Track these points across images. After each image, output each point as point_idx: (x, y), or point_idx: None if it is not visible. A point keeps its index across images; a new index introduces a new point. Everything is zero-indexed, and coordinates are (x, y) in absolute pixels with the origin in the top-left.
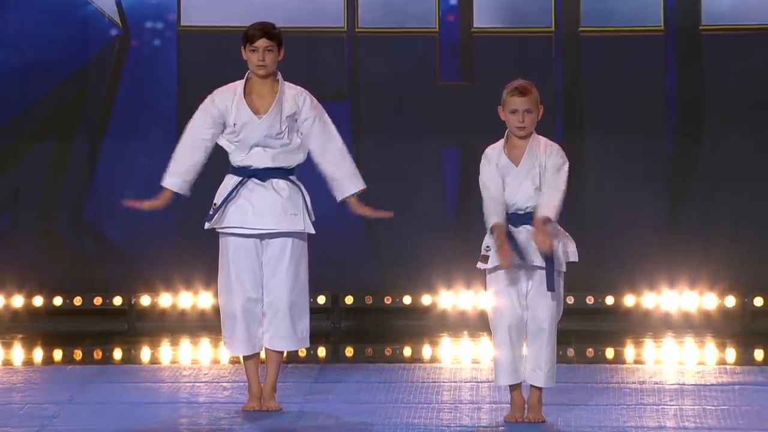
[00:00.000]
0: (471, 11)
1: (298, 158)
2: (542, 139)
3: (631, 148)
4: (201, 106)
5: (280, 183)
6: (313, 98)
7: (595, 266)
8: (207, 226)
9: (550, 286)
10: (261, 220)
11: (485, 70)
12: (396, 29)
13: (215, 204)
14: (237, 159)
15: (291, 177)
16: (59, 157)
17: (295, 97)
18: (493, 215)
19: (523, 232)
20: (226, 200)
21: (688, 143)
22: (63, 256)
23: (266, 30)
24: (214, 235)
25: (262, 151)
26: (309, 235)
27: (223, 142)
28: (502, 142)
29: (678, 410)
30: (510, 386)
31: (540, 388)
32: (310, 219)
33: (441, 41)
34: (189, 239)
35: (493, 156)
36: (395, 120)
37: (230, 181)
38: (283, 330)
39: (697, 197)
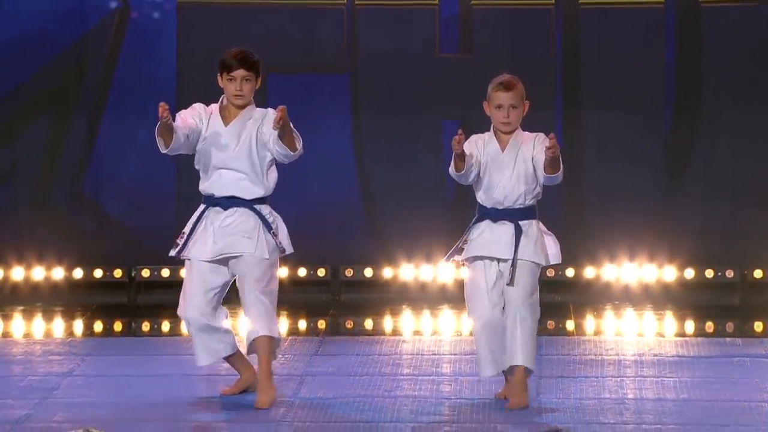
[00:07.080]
0: None
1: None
2: (527, 133)
3: (630, 122)
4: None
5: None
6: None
7: (594, 240)
8: (172, 253)
9: (511, 281)
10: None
11: (485, 43)
12: (395, 2)
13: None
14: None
15: (255, 206)
16: (58, 131)
17: (261, 114)
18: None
19: (500, 227)
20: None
21: (687, 117)
22: (62, 229)
23: (245, 60)
24: None
25: (225, 174)
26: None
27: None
28: (486, 135)
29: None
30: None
31: (523, 369)
32: (276, 242)
33: (441, 13)
34: (188, 211)
35: (479, 139)
36: (394, 93)
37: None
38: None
39: (696, 172)
